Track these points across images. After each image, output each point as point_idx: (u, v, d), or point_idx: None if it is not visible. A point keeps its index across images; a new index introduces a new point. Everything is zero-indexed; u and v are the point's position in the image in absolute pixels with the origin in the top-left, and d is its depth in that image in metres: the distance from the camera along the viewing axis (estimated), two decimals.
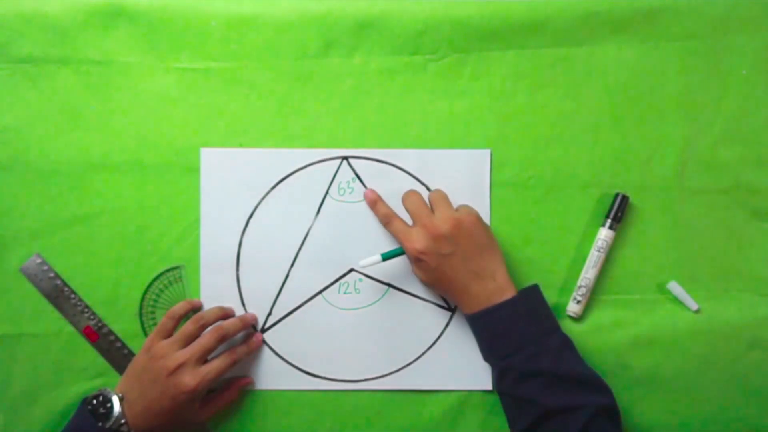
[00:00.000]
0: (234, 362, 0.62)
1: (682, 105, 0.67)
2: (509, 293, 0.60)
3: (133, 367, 0.62)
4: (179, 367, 0.59)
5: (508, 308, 0.60)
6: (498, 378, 0.61)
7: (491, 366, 0.63)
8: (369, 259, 0.63)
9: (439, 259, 0.60)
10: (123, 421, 0.58)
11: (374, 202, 0.65)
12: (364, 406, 0.66)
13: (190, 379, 0.59)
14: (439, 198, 0.63)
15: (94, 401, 0.59)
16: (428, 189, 0.67)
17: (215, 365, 0.60)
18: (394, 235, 0.64)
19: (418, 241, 0.60)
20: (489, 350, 0.62)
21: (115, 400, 0.59)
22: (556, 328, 0.61)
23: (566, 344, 0.60)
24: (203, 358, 0.60)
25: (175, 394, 0.58)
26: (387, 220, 0.64)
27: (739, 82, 0.67)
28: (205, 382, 0.59)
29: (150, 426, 0.59)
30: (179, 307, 0.64)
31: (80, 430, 0.59)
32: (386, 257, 0.63)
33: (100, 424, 0.58)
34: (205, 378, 0.59)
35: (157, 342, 0.61)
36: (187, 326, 0.62)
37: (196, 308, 0.65)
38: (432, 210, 0.63)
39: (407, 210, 0.64)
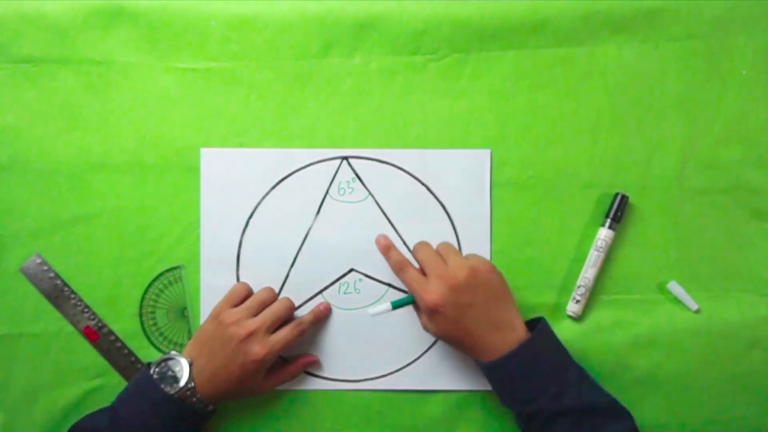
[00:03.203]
0: (301, 333, 0.63)
1: (682, 105, 0.67)
2: (524, 336, 0.58)
3: (199, 335, 0.62)
4: (250, 335, 0.59)
5: (527, 351, 0.57)
6: (524, 423, 0.59)
7: (514, 411, 0.60)
8: (378, 308, 0.62)
9: (457, 311, 0.58)
10: (192, 385, 0.59)
11: (387, 249, 0.64)
12: (364, 406, 0.66)
13: (260, 348, 0.59)
14: (449, 249, 0.62)
15: (161, 364, 0.60)
16: (428, 189, 0.67)
17: (283, 335, 0.61)
18: (408, 284, 0.61)
19: (435, 291, 0.58)
20: (511, 396, 0.59)
21: (185, 363, 0.59)
22: (571, 361, 0.59)
23: (582, 375, 0.59)
24: (273, 327, 0.61)
25: (244, 362, 0.59)
26: (400, 267, 0.63)
27: (739, 82, 0.67)
28: (273, 352, 0.60)
29: (216, 392, 0.59)
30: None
31: (144, 394, 0.59)
32: (396, 306, 0.62)
33: (165, 387, 0.58)
34: (273, 348, 0.60)
35: (226, 309, 0.62)
36: (261, 293, 0.63)
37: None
38: (444, 261, 0.61)
39: (419, 261, 0.62)
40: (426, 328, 0.61)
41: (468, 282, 0.58)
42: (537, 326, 0.59)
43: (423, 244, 0.63)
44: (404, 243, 0.66)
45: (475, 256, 0.62)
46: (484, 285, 0.59)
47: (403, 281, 0.63)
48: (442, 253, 0.62)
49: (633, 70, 0.67)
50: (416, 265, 0.63)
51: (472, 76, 0.67)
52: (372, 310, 0.62)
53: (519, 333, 0.58)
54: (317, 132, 0.67)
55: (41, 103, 0.66)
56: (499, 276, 0.61)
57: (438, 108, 0.67)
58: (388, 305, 0.62)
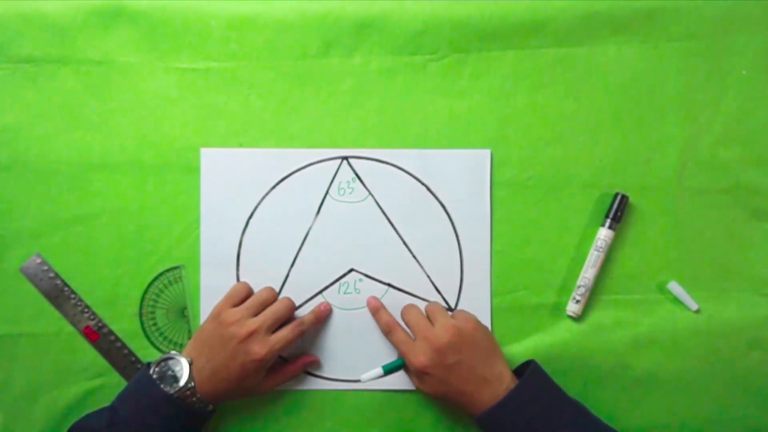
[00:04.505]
0: (302, 333, 0.63)
1: (682, 105, 0.67)
2: (512, 385, 0.58)
3: (199, 334, 0.62)
4: (251, 334, 0.59)
5: (515, 399, 0.57)
6: None
7: None
8: (371, 373, 0.63)
9: (445, 371, 0.59)
10: (191, 384, 0.59)
11: (377, 310, 0.65)
12: (364, 406, 0.66)
13: (260, 347, 0.59)
14: (436, 309, 0.63)
15: (161, 364, 0.60)
16: (428, 189, 0.67)
17: (283, 335, 0.61)
18: (396, 346, 0.63)
19: (422, 354, 0.59)
20: None
21: (185, 363, 0.59)
22: (566, 400, 0.59)
23: (580, 413, 0.59)
24: (273, 327, 0.61)
25: (244, 362, 0.59)
26: (389, 329, 0.63)
27: (739, 82, 0.67)
28: (273, 352, 0.60)
29: (216, 392, 0.59)
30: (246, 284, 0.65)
31: (144, 394, 0.59)
32: (387, 370, 0.63)
33: (165, 387, 0.58)
34: (273, 347, 0.60)
35: (226, 309, 0.62)
36: (262, 293, 0.63)
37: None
38: (431, 322, 0.62)
39: (407, 324, 0.63)
40: (418, 389, 0.62)
41: (453, 342, 0.59)
42: (526, 371, 0.59)
43: (410, 306, 0.64)
44: (404, 243, 0.66)
45: (462, 313, 0.63)
46: (469, 343, 0.60)
47: (392, 343, 0.64)
48: (430, 313, 0.63)
49: (633, 70, 0.67)
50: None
51: (472, 76, 0.67)
52: (364, 376, 0.63)
53: (508, 384, 0.58)
54: (317, 132, 0.67)
55: (41, 103, 0.66)
56: (485, 332, 0.62)
57: (438, 108, 0.67)
58: (379, 370, 0.63)
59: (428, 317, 0.63)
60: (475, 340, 0.60)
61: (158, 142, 0.66)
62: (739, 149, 0.67)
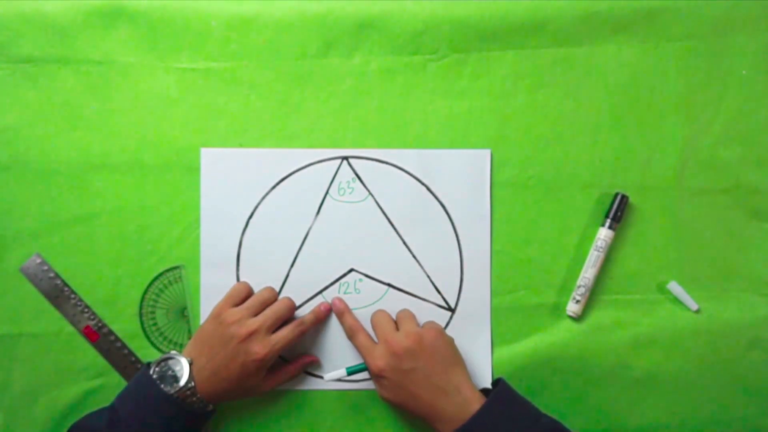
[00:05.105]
0: (302, 333, 0.63)
1: (682, 105, 0.67)
2: (477, 404, 0.57)
3: (199, 334, 0.62)
4: (251, 334, 0.59)
5: (485, 418, 0.56)
6: None
7: None
8: (334, 373, 0.64)
9: (401, 376, 0.59)
10: (191, 384, 0.59)
11: (342, 313, 0.65)
12: (364, 405, 0.66)
13: (261, 347, 0.59)
14: (404, 316, 0.64)
15: (161, 364, 0.60)
16: (428, 189, 0.67)
17: (284, 335, 0.61)
18: (358, 349, 0.63)
19: (379, 357, 0.60)
20: None
21: (185, 363, 0.59)
22: (538, 416, 0.58)
23: (553, 429, 0.58)
24: (274, 327, 0.61)
25: (244, 361, 0.59)
26: (352, 333, 0.64)
27: (739, 82, 0.67)
28: (274, 352, 0.60)
29: (216, 391, 0.59)
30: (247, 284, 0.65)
31: (144, 394, 0.59)
32: (351, 372, 0.63)
33: (165, 387, 0.58)
34: (274, 347, 0.60)
35: (227, 309, 0.62)
36: (262, 293, 0.64)
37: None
38: (397, 328, 0.62)
39: (373, 328, 0.64)
40: (379, 395, 0.62)
41: (411, 348, 0.59)
42: (493, 391, 0.59)
43: (379, 311, 0.65)
44: (404, 243, 0.66)
45: (429, 323, 0.64)
46: (428, 351, 0.59)
47: (355, 346, 0.64)
48: (398, 320, 0.64)
49: (633, 70, 0.67)
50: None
51: (472, 76, 0.67)
52: (327, 375, 0.64)
53: (466, 396, 0.58)
54: (317, 132, 0.67)
55: (41, 103, 0.66)
56: (447, 342, 0.62)
57: (438, 108, 0.67)
58: (343, 371, 0.63)
59: (396, 323, 0.64)
60: (435, 349, 0.60)
61: (158, 142, 0.66)
62: (739, 149, 0.67)
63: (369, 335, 0.63)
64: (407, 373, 0.59)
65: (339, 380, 0.65)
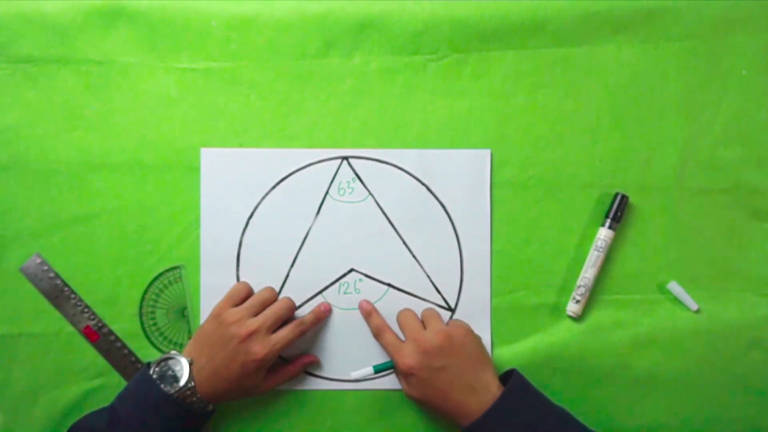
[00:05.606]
0: (302, 333, 0.63)
1: (682, 105, 0.67)
2: (498, 395, 0.58)
3: (199, 334, 0.62)
4: (251, 334, 0.60)
5: (499, 410, 0.57)
6: None
7: None
8: (361, 372, 0.63)
9: (431, 373, 0.59)
10: (191, 384, 0.59)
11: (369, 314, 0.65)
12: (364, 406, 0.66)
13: (261, 347, 0.59)
14: (431, 315, 0.64)
15: (161, 364, 0.60)
16: (428, 189, 0.67)
17: (284, 335, 0.61)
18: (385, 348, 0.63)
19: (409, 356, 0.60)
20: None
21: (185, 363, 0.59)
22: (549, 408, 0.59)
23: (564, 419, 0.59)
24: (274, 327, 0.61)
25: (244, 361, 0.59)
26: (379, 331, 0.64)
27: (739, 82, 0.67)
28: (274, 352, 0.60)
29: (216, 391, 0.59)
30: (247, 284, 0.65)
31: (144, 394, 0.59)
32: (378, 370, 0.63)
33: (165, 387, 0.58)
34: (274, 347, 0.60)
35: (227, 309, 0.62)
36: (262, 293, 0.64)
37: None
38: (424, 326, 0.62)
39: (400, 326, 0.64)
40: (406, 394, 0.62)
41: (441, 346, 0.59)
42: (509, 382, 0.59)
43: (406, 310, 0.65)
44: (404, 243, 0.66)
45: (455, 321, 0.64)
46: (457, 349, 0.60)
47: (382, 345, 0.64)
48: (425, 318, 0.63)
49: (633, 70, 0.67)
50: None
51: (472, 76, 0.67)
52: (354, 374, 0.63)
53: (495, 393, 0.58)
54: (317, 132, 0.67)
55: (41, 103, 0.66)
56: (475, 340, 0.62)
57: (438, 108, 0.67)
58: (370, 369, 0.63)
59: (423, 321, 0.63)
60: (465, 347, 0.60)
61: (158, 142, 0.66)
62: (739, 149, 0.67)
63: (396, 334, 0.63)
64: (437, 371, 0.59)
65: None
